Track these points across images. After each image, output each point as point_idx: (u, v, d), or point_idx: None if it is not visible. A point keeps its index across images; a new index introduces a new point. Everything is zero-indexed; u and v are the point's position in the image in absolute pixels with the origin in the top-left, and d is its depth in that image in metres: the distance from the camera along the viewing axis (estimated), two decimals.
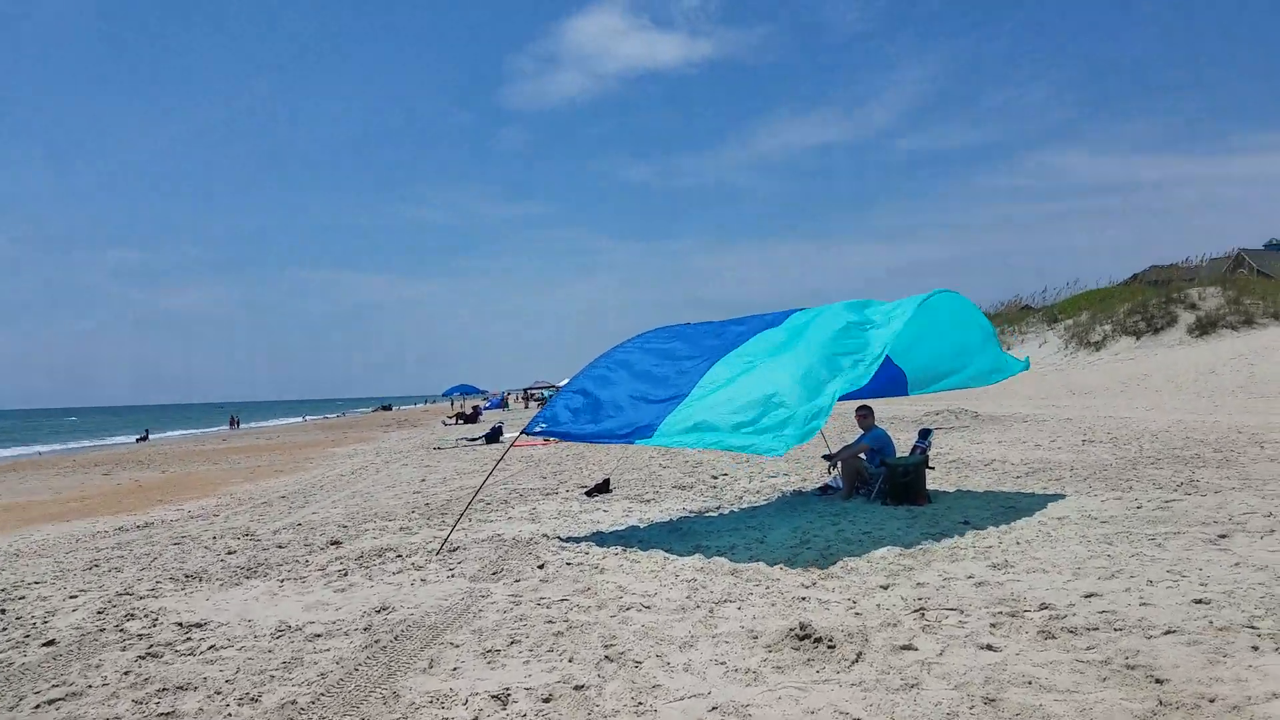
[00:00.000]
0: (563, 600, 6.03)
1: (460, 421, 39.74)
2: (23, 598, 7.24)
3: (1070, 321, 40.59)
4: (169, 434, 58.84)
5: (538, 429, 8.17)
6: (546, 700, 4.24)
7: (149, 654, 5.34)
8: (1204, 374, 24.61)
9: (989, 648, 4.76)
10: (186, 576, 7.64)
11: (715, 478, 12.43)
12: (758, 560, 7.03)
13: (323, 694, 4.49)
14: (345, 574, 7.32)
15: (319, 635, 5.53)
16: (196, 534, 10.45)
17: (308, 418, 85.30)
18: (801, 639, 4.94)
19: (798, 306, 9.40)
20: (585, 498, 11.24)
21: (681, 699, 4.18)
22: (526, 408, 61.95)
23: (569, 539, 8.31)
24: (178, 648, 5.44)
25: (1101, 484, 9.98)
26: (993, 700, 3.94)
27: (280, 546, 8.97)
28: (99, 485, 19.48)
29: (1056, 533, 7.51)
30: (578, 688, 4.38)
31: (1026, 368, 10.32)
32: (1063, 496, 9.28)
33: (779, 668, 4.58)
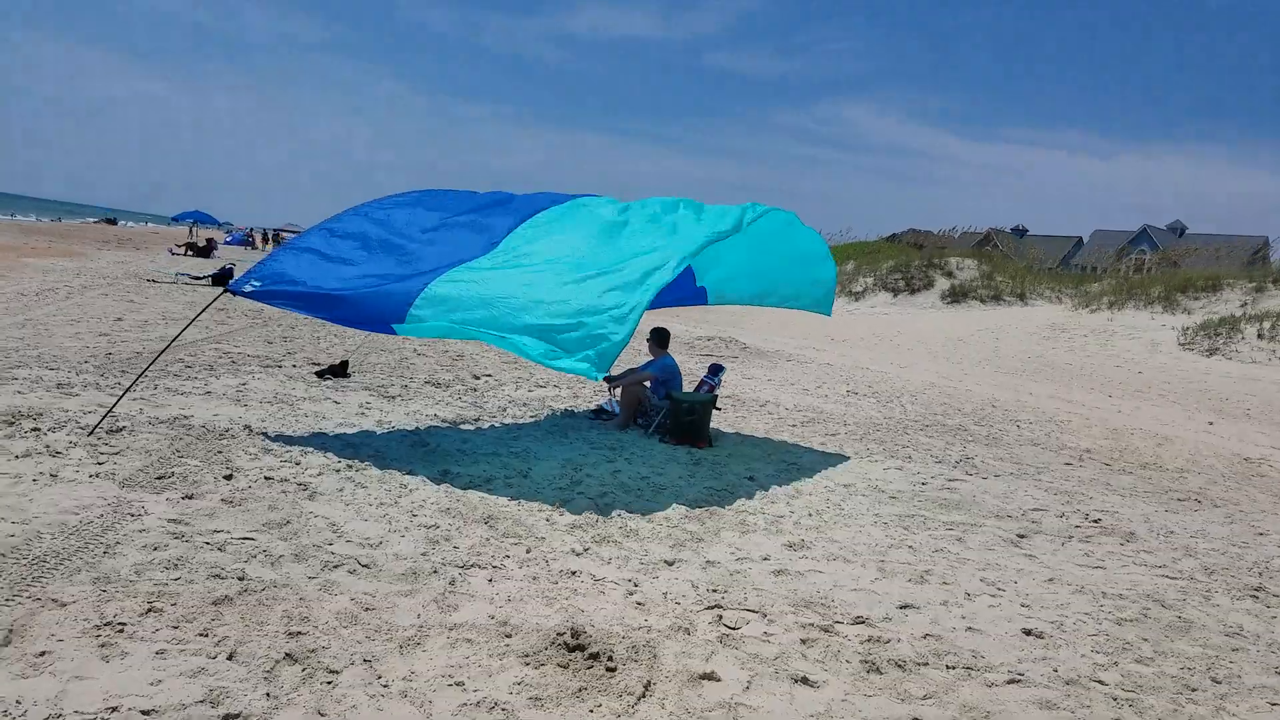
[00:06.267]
0: (246, 539, 4.32)
1: (190, 253, 35.08)
2: None
3: (837, 269, 41.77)
4: None
5: (248, 288, 6.10)
6: None
7: None
8: (953, 341, 25.87)
9: (805, 680, 3.74)
10: None
11: (477, 378, 10.85)
12: (520, 502, 5.66)
13: None
14: None
15: None
16: None
17: (17, 216, 73.62)
18: (572, 650, 3.62)
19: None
20: (315, 379, 9.32)
21: None
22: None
23: (279, 437, 6.47)
24: None
25: (878, 446, 9.60)
26: None
27: None
28: None
29: (847, 505, 6.89)
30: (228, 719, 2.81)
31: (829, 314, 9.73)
32: (844, 458, 8.77)
33: (538, 699, 3.23)
